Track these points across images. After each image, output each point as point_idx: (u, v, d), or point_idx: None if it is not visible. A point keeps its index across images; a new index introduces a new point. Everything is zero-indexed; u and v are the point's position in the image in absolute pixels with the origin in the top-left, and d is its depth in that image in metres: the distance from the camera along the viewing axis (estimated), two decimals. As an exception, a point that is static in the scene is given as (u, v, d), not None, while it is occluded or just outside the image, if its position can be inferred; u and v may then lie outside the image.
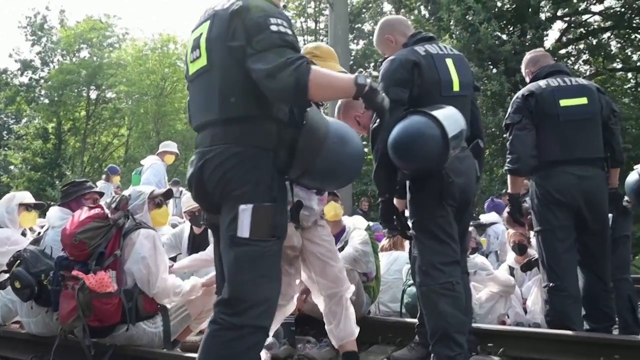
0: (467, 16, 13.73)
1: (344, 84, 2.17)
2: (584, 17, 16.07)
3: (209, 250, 4.08)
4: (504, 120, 3.90)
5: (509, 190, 3.90)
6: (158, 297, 3.45)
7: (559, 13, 15.31)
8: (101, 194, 4.44)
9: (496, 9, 14.16)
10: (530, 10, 14.20)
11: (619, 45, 16.68)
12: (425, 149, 2.70)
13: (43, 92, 28.72)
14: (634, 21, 15.24)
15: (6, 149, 28.15)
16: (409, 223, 3.10)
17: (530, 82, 3.93)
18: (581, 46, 16.63)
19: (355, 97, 2.17)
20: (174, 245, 4.99)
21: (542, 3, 14.36)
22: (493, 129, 13.17)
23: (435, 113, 2.69)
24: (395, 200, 3.22)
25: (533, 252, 4.67)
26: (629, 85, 17.30)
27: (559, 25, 16.32)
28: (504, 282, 4.69)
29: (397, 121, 2.79)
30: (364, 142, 3.28)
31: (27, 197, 4.78)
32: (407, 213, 3.15)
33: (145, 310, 3.40)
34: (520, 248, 5.07)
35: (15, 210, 4.59)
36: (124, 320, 3.30)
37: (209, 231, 3.52)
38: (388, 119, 2.32)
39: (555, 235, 3.67)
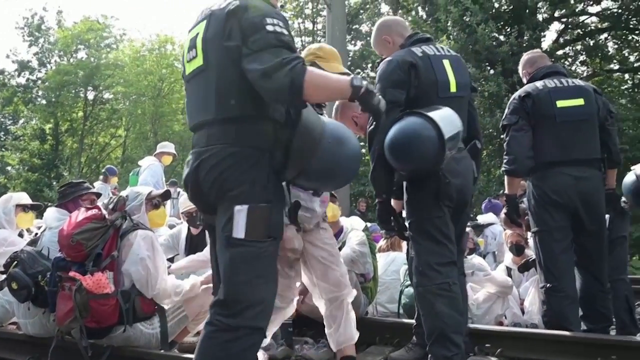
0: (465, 17, 13.74)
1: (339, 85, 2.17)
2: (581, 18, 16.09)
3: (207, 251, 4.07)
4: (501, 122, 3.90)
5: (506, 191, 3.90)
6: (159, 297, 3.44)
7: (556, 14, 15.32)
8: (98, 195, 4.43)
9: (493, 10, 14.16)
10: (527, 11, 14.21)
11: (616, 46, 16.71)
12: (422, 150, 2.71)
13: (40, 93, 28.67)
14: (631, 22, 15.26)
15: (3, 149, 28.09)
16: (406, 224, 3.11)
17: (528, 83, 3.94)
18: (578, 47, 16.66)
19: (351, 99, 2.17)
20: (172, 246, 4.98)
21: (540, 4, 14.37)
22: (490, 130, 13.18)
23: (431, 114, 2.70)
24: (392, 201, 3.22)
25: (530, 252, 4.68)
26: (626, 86, 17.33)
27: (556, 26, 16.35)
28: (502, 282, 4.69)
29: (394, 122, 2.80)
30: (362, 143, 3.28)
31: (24, 198, 4.77)
32: (404, 214, 3.15)
33: (143, 311, 3.39)
34: (518, 249, 5.08)
35: (12, 211, 4.59)
36: (121, 322, 3.30)
37: (207, 232, 3.52)
38: (384, 121, 2.31)
39: (552, 236, 3.68)
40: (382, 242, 5.22)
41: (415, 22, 15.38)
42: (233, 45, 2.15)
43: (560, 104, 3.69)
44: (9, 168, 28.33)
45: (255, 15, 2.13)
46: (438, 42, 3.37)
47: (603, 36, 16.25)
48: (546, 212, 3.69)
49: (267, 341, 3.42)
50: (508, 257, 5.33)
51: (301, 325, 4.10)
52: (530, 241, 4.42)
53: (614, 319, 3.96)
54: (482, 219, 7.65)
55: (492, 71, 13.91)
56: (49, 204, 4.99)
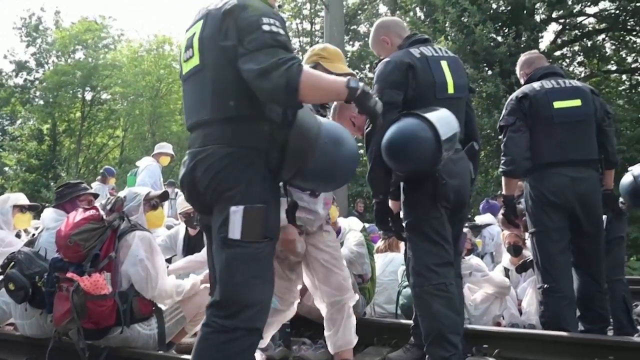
0: (463, 18, 13.75)
1: (335, 86, 2.16)
2: (579, 19, 16.09)
3: (204, 252, 4.06)
4: (498, 122, 3.91)
5: (504, 192, 3.91)
6: (160, 298, 3.44)
7: (554, 15, 15.32)
8: (96, 196, 4.43)
9: (491, 11, 14.16)
10: (525, 12, 14.22)
11: (613, 47, 16.71)
12: (418, 151, 2.71)
13: (38, 93, 28.64)
14: (629, 23, 15.27)
15: (1, 150, 28.05)
16: (403, 224, 3.11)
17: (525, 84, 3.94)
18: (576, 48, 16.67)
19: (347, 101, 2.16)
20: (169, 247, 4.98)
21: (537, 5, 14.37)
22: (488, 131, 13.18)
23: (428, 115, 2.71)
24: (390, 202, 3.22)
25: (528, 253, 4.68)
26: (623, 87, 17.31)
27: (553, 27, 16.35)
28: (499, 283, 4.70)
29: (391, 123, 2.80)
30: (359, 144, 3.28)
31: (22, 199, 4.76)
32: (402, 215, 3.15)
33: (140, 312, 3.38)
34: (516, 249, 5.09)
35: (9, 212, 4.58)
36: (119, 323, 3.29)
37: (204, 233, 3.52)
38: (381, 123, 2.30)
39: (550, 237, 3.68)
40: (380, 243, 5.22)
41: (413, 23, 15.38)
42: (229, 44, 2.14)
43: (558, 104, 3.69)
44: (6, 169, 28.30)
45: (251, 15, 2.12)
46: (436, 43, 3.37)
47: (601, 37, 16.27)
48: (544, 213, 3.70)
49: (265, 342, 3.41)
50: (506, 258, 5.34)
51: (299, 326, 4.10)
52: (528, 242, 4.43)
53: (611, 320, 3.96)
54: (479, 219, 7.65)
55: (490, 72, 13.92)
56: (47, 204, 4.97)
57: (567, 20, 15.95)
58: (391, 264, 4.85)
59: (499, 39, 14.25)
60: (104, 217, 3.48)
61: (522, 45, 13.42)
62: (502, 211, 4.10)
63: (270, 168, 2.21)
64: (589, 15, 15.81)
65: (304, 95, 2.06)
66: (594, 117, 3.75)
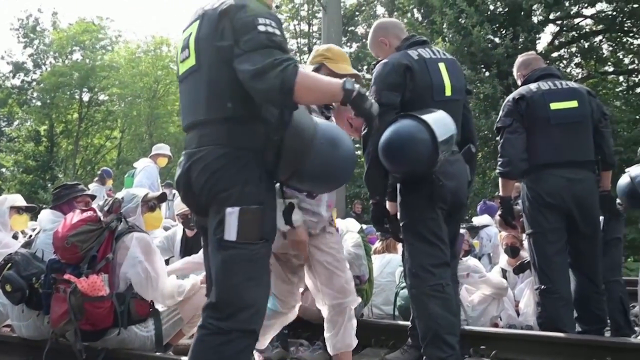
0: (460, 19, 13.79)
1: (331, 88, 2.14)
2: (576, 20, 16.13)
3: (202, 253, 4.06)
4: (495, 124, 3.91)
5: (500, 193, 3.91)
6: (162, 298, 3.43)
7: (551, 16, 15.35)
8: (93, 197, 4.42)
9: (489, 12, 14.20)
10: (522, 13, 14.26)
11: (610, 48, 16.76)
12: (415, 152, 2.72)
13: (35, 94, 28.60)
14: (626, 25, 15.32)
15: (-2, 151, 28.04)
16: (400, 225, 3.11)
17: (522, 85, 3.95)
18: (573, 49, 16.71)
19: (343, 102, 2.15)
20: (167, 248, 4.98)
21: (535, 6, 14.41)
22: (486, 132, 13.21)
23: (425, 117, 2.72)
24: (387, 204, 3.23)
25: (525, 254, 4.69)
26: (620, 89, 17.37)
27: (551, 28, 16.39)
28: (497, 284, 4.70)
29: (388, 125, 2.81)
30: (357, 145, 3.27)
31: (19, 200, 4.76)
32: (398, 216, 3.16)
33: (138, 313, 3.38)
34: (513, 250, 5.09)
35: (6, 213, 4.57)
36: (116, 324, 3.28)
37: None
38: (377, 125, 2.29)
39: (546, 238, 3.69)
40: (377, 244, 5.21)
41: (410, 24, 15.40)
42: (225, 45, 2.13)
43: (554, 106, 3.70)
44: (3, 170, 28.26)
45: (247, 15, 2.11)
46: (433, 44, 3.37)
47: (598, 38, 16.31)
48: (540, 214, 3.70)
49: (264, 344, 3.40)
50: (503, 259, 5.34)
51: (296, 327, 4.08)
52: (525, 243, 4.43)
53: (608, 321, 3.97)
54: (477, 220, 7.65)
55: (487, 73, 13.96)
56: (44, 205, 4.97)
57: (565, 22, 15.99)
58: (389, 265, 4.84)
59: (497, 40, 14.29)
60: (102, 218, 3.48)
61: (519, 47, 13.46)
62: (499, 212, 4.10)
63: (266, 169, 2.21)
64: (586, 17, 15.87)
65: (299, 97, 2.05)
66: (591, 119, 3.75)
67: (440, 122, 2.77)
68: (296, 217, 2.78)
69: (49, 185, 23.52)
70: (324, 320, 3.19)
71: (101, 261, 3.31)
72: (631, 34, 15.78)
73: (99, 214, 3.51)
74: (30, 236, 4.01)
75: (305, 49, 25.46)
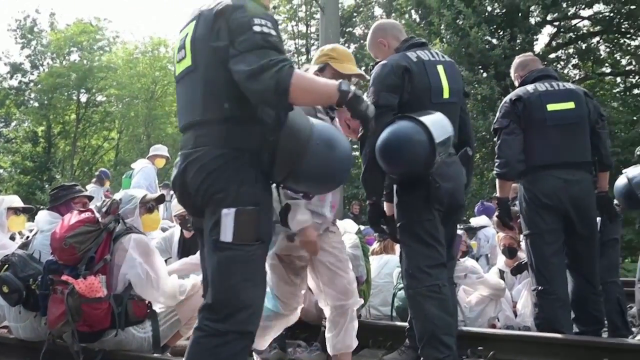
0: (458, 20, 13.80)
1: (327, 89, 2.14)
2: (574, 21, 16.17)
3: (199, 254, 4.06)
4: (493, 125, 3.92)
5: (498, 194, 3.92)
6: (164, 298, 3.43)
7: (549, 18, 15.38)
8: (90, 198, 4.42)
9: (486, 14, 14.23)
10: (520, 14, 14.28)
11: (608, 49, 16.80)
12: (412, 153, 2.73)
13: (33, 95, 28.54)
14: (623, 26, 15.36)
15: (-5, 152, 27.99)
16: (397, 226, 3.11)
17: (519, 86, 3.96)
18: (570, 50, 16.74)
19: (339, 104, 2.14)
20: (164, 249, 4.97)
21: (532, 8, 14.43)
22: (483, 133, 13.22)
23: (423, 119, 2.72)
24: (385, 205, 3.23)
25: (523, 255, 4.69)
26: (617, 90, 17.40)
27: (548, 29, 16.43)
28: (494, 285, 4.71)
29: (386, 126, 2.81)
30: (354, 146, 3.27)
31: (16, 201, 4.75)
32: (395, 217, 3.16)
33: (135, 315, 3.37)
34: (511, 251, 5.09)
35: (3, 214, 4.57)
36: (113, 325, 3.28)
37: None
38: (373, 127, 2.28)
39: (544, 239, 3.69)
40: (375, 245, 5.21)
41: (408, 25, 15.41)
42: (221, 45, 2.13)
43: (551, 107, 3.71)
44: (0, 171, 28.21)
45: (243, 16, 2.11)
46: (431, 46, 3.37)
47: (595, 40, 16.36)
48: (537, 215, 3.71)
49: (264, 345, 3.39)
50: (501, 260, 5.34)
51: (294, 328, 4.08)
52: (523, 244, 4.44)
53: (605, 322, 3.97)
54: (475, 221, 7.65)
55: (485, 74, 13.98)
56: (41, 206, 4.97)
57: (562, 23, 16.03)
58: (386, 266, 4.84)
59: (494, 41, 14.31)
60: (100, 219, 3.47)
61: (517, 48, 13.47)
62: (496, 213, 4.11)
63: (262, 170, 2.20)
64: (583, 18, 15.91)
65: (294, 98, 2.04)
66: (588, 120, 3.76)
67: (438, 124, 2.77)
68: (305, 217, 2.79)
69: (47, 186, 23.51)
70: (326, 320, 3.19)
71: (99, 262, 3.31)
72: (628, 35, 15.82)
73: (97, 215, 3.51)
74: (28, 237, 4.00)
75: (303, 50, 25.48)
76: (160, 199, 3.82)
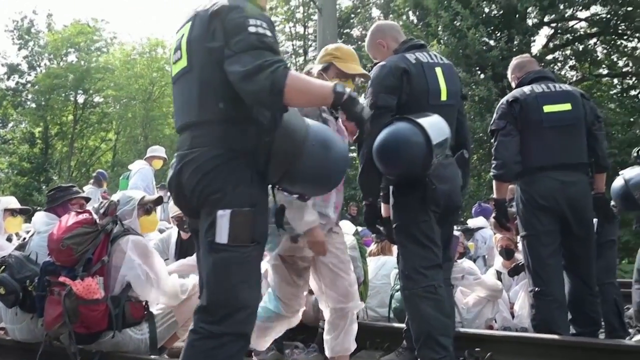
0: (455, 22, 13.81)
1: (321, 90, 2.13)
2: (571, 23, 16.18)
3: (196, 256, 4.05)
4: (489, 126, 3.93)
5: (495, 196, 3.93)
6: (166, 298, 3.42)
7: (546, 19, 15.39)
8: (87, 199, 4.41)
9: (484, 15, 14.23)
10: (517, 16, 14.29)
11: (604, 51, 16.81)
12: (410, 155, 2.73)
13: (30, 96, 28.47)
14: (620, 28, 15.37)
15: (-8, 153, 27.93)
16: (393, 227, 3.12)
17: (516, 87, 3.96)
18: (568, 52, 16.76)
19: (334, 106, 2.14)
20: (162, 251, 4.97)
21: (529, 9, 14.45)
22: (481, 134, 13.22)
23: (420, 121, 2.73)
24: (382, 206, 3.24)
25: (520, 256, 4.70)
26: (614, 91, 17.42)
27: (545, 31, 16.44)
28: (492, 286, 4.71)
29: (384, 127, 2.82)
30: (352, 147, 3.27)
31: (13, 202, 4.75)
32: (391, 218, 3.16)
33: (133, 316, 3.37)
34: (508, 253, 5.10)
35: (0, 216, 4.56)
36: (111, 327, 3.28)
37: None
38: (368, 129, 2.28)
39: (540, 241, 3.70)
40: (372, 246, 5.22)
41: (406, 27, 15.40)
42: (216, 46, 2.12)
43: (548, 109, 3.71)
44: (-3, 172, 28.15)
45: (238, 16, 2.11)
46: (429, 47, 3.37)
47: (592, 41, 16.36)
48: (534, 217, 3.71)
49: (265, 346, 3.39)
50: (498, 261, 5.35)
51: (291, 329, 4.08)
52: (520, 245, 4.44)
53: (602, 323, 3.98)
54: (472, 222, 7.67)
55: (482, 75, 13.97)
56: (38, 208, 4.96)
57: (559, 25, 16.04)
58: (384, 268, 4.84)
59: (492, 42, 14.32)
60: (97, 220, 3.47)
61: (514, 49, 13.48)
62: (493, 215, 4.11)
63: (258, 171, 2.19)
64: (580, 20, 15.93)
65: (289, 99, 2.04)
66: (584, 121, 3.77)
67: (435, 125, 2.78)
68: (313, 217, 2.80)
69: (44, 187, 23.43)
70: (324, 321, 3.18)
71: (96, 264, 3.31)
72: (625, 37, 15.83)
73: (95, 216, 3.50)
74: (24, 239, 3.99)
75: (301, 51, 25.50)
76: (159, 201, 3.82)
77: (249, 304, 2.19)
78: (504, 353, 3.49)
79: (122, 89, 27.22)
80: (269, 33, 2.11)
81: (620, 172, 4.33)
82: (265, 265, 4.09)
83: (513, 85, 4.10)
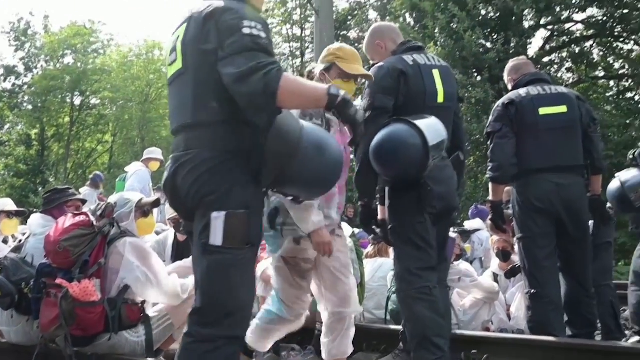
0: (452, 24, 13.83)
1: (315, 93, 2.13)
2: (567, 25, 16.22)
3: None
4: (485, 129, 3.94)
5: (491, 198, 3.93)
6: (167, 298, 3.41)
7: (542, 21, 15.44)
8: (84, 202, 4.40)
9: (480, 17, 14.27)
10: (514, 18, 14.33)
11: (601, 53, 16.86)
12: (407, 156, 2.74)
13: (26, 98, 28.41)
14: (616, 30, 15.42)
15: (-12, 155, 27.86)
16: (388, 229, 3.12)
17: (512, 90, 3.97)
18: (564, 54, 16.79)
19: (327, 108, 2.13)
20: (158, 253, 4.94)
21: (526, 12, 14.49)
22: (477, 136, 13.25)
23: (417, 122, 2.74)
24: (379, 208, 3.24)
25: (517, 258, 4.70)
26: (611, 93, 17.49)
27: (542, 33, 16.48)
28: (488, 288, 4.71)
29: (381, 128, 2.82)
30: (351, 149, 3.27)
31: (9, 204, 4.74)
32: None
33: (129, 319, 3.35)
34: (504, 255, 5.10)
35: (-4, 218, 4.55)
36: (107, 329, 3.26)
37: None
38: (362, 132, 2.27)
39: (536, 243, 3.70)
40: (369, 249, 5.22)
41: (402, 29, 15.39)
42: (210, 48, 2.12)
43: (543, 111, 3.72)
44: (-6, 174, 28.08)
45: (232, 18, 2.10)
46: (426, 49, 3.38)
47: (588, 43, 16.41)
48: (530, 219, 3.72)
49: (266, 348, 3.38)
50: (495, 263, 5.36)
51: (288, 331, 4.08)
52: (516, 247, 4.45)
53: (598, 325, 3.98)
54: (469, 224, 7.67)
55: (479, 78, 14.02)
56: (34, 210, 4.94)
57: (555, 27, 16.08)
58: (380, 270, 4.84)
59: (488, 45, 14.34)
60: (94, 223, 3.46)
61: (510, 51, 13.53)
62: (490, 217, 4.12)
63: (253, 172, 2.18)
64: (576, 22, 15.97)
65: (282, 101, 2.03)
66: (580, 123, 3.78)
67: (432, 127, 2.79)
68: (319, 218, 2.79)
69: (40, 189, 23.38)
70: (323, 324, 3.18)
71: (93, 266, 3.29)
72: (621, 39, 15.89)
73: (92, 218, 3.49)
74: (20, 241, 3.98)
75: (298, 53, 25.50)
76: (156, 203, 3.80)
77: (242, 306, 2.18)
78: (501, 355, 3.50)
79: (119, 91, 27.21)
80: (263, 35, 2.10)
81: (616, 175, 4.34)
82: (262, 266, 4.09)
83: (509, 87, 4.11)
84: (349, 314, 3.11)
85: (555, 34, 16.44)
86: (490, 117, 3.89)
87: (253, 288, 2.26)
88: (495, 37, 14.56)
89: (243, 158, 2.16)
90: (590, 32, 15.88)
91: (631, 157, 4.41)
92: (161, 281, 3.37)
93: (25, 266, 3.57)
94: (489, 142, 3.85)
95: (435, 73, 3.12)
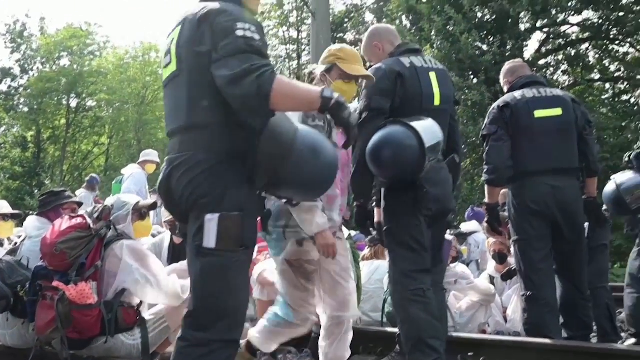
0: (448, 27, 13.85)
1: (309, 95, 2.12)
2: (563, 28, 16.23)
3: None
4: (481, 131, 3.94)
5: (487, 200, 3.94)
6: (167, 298, 3.40)
7: (538, 24, 15.45)
8: (80, 204, 4.40)
9: (477, 20, 14.28)
10: (510, 21, 14.35)
11: (597, 56, 16.88)
12: (403, 158, 2.75)
13: (22, 100, 28.32)
14: (612, 33, 15.45)
15: (-16, 157, 27.77)
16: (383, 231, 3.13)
17: (507, 92, 3.98)
18: (560, 57, 16.81)
19: (321, 110, 2.12)
20: (154, 255, 4.95)
21: (522, 14, 14.50)
22: (474, 139, 13.25)
23: (414, 124, 2.75)
24: (375, 211, 3.24)
25: (513, 261, 4.71)
26: (606, 96, 17.49)
27: (538, 36, 16.49)
28: (485, 291, 4.72)
29: (377, 130, 2.83)
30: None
31: (4, 207, 4.73)
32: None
33: (125, 322, 3.35)
34: (501, 257, 5.11)
35: (-8, 220, 4.54)
36: (103, 332, 3.26)
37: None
38: (355, 135, 2.26)
39: (532, 245, 3.71)
40: (366, 251, 5.23)
41: (399, 32, 15.26)
42: (204, 50, 2.11)
43: (538, 113, 3.74)
44: (-11, 176, 27.99)
45: (226, 20, 2.09)
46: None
47: (584, 46, 16.44)
48: (525, 221, 3.73)
49: (270, 349, 3.37)
50: (491, 266, 5.36)
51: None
52: (512, 249, 4.46)
53: (594, 327, 3.99)
54: (465, 227, 7.68)
55: (475, 80, 14.01)
56: (30, 212, 4.93)
57: (551, 30, 16.10)
58: (377, 272, 4.85)
59: (484, 47, 14.35)
60: (91, 225, 3.45)
61: (507, 54, 13.53)
62: (486, 219, 4.13)
63: (247, 175, 2.17)
64: (572, 25, 15.99)
65: (275, 103, 2.02)
66: (575, 126, 3.79)
67: (429, 129, 2.80)
68: (323, 220, 2.79)
69: (36, 191, 23.32)
70: (321, 328, 3.17)
71: (90, 269, 3.29)
72: (617, 42, 15.92)
73: (89, 220, 3.48)
74: (16, 243, 3.97)
75: (294, 55, 25.49)
76: (153, 206, 3.80)
77: (236, 309, 2.17)
78: (497, 357, 3.50)
79: (115, 93, 27.20)
80: (257, 37, 2.09)
81: (612, 177, 4.35)
82: (258, 269, 4.08)
83: (505, 90, 4.12)
84: (348, 318, 3.11)
85: (551, 36, 16.47)
86: (486, 120, 3.90)
87: (247, 291, 2.26)
88: (491, 39, 14.57)
89: (238, 160, 2.15)
90: (586, 34, 15.91)
91: (627, 159, 4.42)
92: (161, 282, 3.36)
93: (21, 269, 3.55)
94: (484, 145, 3.86)
95: (432, 75, 3.12)
